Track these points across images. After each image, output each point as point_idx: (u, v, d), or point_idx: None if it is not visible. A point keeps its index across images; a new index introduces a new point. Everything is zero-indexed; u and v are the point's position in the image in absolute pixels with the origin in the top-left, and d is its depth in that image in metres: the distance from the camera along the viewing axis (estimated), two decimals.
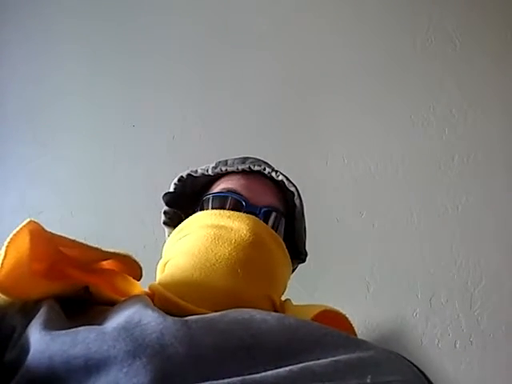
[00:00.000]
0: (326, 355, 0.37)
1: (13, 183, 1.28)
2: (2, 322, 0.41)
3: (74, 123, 1.32)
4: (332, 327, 0.44)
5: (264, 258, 0.54)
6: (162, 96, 1.31)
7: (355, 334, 0.58)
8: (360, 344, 0.40)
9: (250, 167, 0.62)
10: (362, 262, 1.14)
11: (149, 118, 1.30)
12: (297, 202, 0.62)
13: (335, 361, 0.36)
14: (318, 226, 1.10)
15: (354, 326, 0.58)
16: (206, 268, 0.51)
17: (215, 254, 0.52)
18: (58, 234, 0.46)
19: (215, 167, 0.62)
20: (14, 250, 0.41)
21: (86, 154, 1.29)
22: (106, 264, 0.52)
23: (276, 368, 0.35)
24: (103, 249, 0.48)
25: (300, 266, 0.69)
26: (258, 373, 0.35)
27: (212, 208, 0.59)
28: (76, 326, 0.38)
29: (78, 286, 0.46)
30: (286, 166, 0.68)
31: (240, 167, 0.62)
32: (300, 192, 0.63)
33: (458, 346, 1.08)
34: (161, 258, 0.60)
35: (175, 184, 0.64)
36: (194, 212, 0.60)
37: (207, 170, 0.62)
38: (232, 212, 0.55)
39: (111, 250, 0.49)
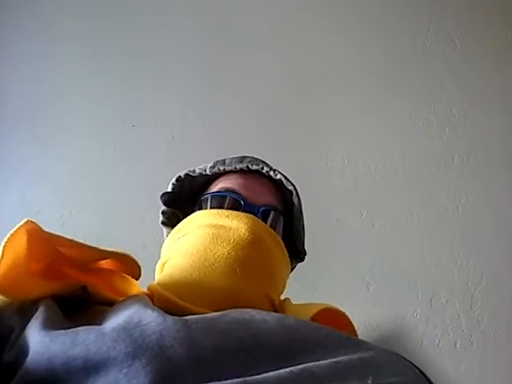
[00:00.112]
0: (327, 356, 0.37)
1: (13, 183, 1.28)
2: (0, 323, 0.41)
3: (74, 123, 1.32)
4: (332, 327, 0.43)
5: (263, 257, 0.54)
6: (162, 96, 1.31)
7: (355, 332, 0.58)
8: (361, 345, 0.40)
9: (248, 166, 0.61)
10: (361, 261, 1.14)
11: (149, 118, 1.30)
12: (295, 200, 0.62)
13: (336, 362, 0.36)
14: (318, 225, 1.11)
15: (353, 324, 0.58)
16: (204, 268, 0.51)
17: (214, 253, 0.51)
18: (56, 233, 0.45)
19: (213, 167, 0.62)
20: (12, 250, 0.41)
21: (86, 154, 1.29)
22: (105, 263, 0.52)
23: (276, 369, 0.35)
24: (101, 248, 0.48)
25: (300, 265, 0.69)
26: (258, 374, 0.35)
27: (210, 207, 0.58)
28: (75, 326, 0.38)
29: (75, 285, 0.46)
30: (285, 166, 0.68)
31: (238, 166, 0.61)
32: (298, 191, 0.63)
33: (458, 346, 1.08)
34: (159, 257, 0.60)
35: (173, 184, 0.64)
36: (193, 212, 0.59)
37: (205, 170, 0.62)
38: (230, 211, 0.55)
39: (109, 250, 0.49)
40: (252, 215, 0.56)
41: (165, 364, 0.34)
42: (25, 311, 0.42)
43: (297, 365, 0.36)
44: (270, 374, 0.34)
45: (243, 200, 0.58)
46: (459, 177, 1.18)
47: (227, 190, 0.59)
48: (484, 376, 1.06)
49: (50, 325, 0.38)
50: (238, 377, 0.34)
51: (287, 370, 0.35)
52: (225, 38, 1.33)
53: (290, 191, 0.62)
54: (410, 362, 0.41)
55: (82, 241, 0.47)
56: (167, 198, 0.64)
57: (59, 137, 1.31)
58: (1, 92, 1.35)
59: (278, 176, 0.62)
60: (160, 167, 1.21)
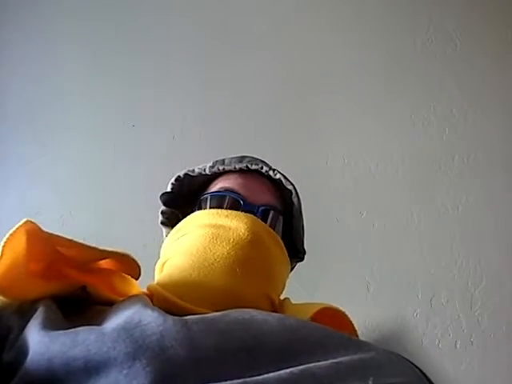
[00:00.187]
0: (328, 357, 0.37)
1: (13, 183, 1.28)
2: None
3: (74, 123, 1.32)
4: (332, 327, 0.43)
5: (262, 257, 0.54)
6: (162, 96, 1.31)
7: (355, 331, 0.58)
8: (361, 345, 0.40)
9: (247, 166, 0.61)
10: (361, 261, 1.14)
11: (149, 118, 1.30)
12: (294, 200, 0.62)
13: (336, 363, 0.36)
14: (318, 225, 1.11)
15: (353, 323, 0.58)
16: (204, 267, 0.51)
17: (213, 253, 0.51)
18: (55, 233, 0.45)
19: (212, 166, 0.62)
20: (11, 250, 0.41)
21: (86, 154, 1.29)
22: (104, 263, 0.52)
23: (277, 370, 0.35)
24: (101, 248, 0.48)
25: (300, 265, 0.68)
26: (259, 375, 0.34)
27: (210, 207, 0.58)
28: (74, 326, 0.38)
29: (75, 285, 0.46)
30: (285, 166, 0.68)
31: (237, 166, 0.61)
32: (297, 190, 0.63)
33: (458, 346, 1.08)
34: (159, 258, 0.60)
35: (172, 184, 0.64)
36: (192, 212, 0.59)
37: (204, 170, 0.62)
38: (230, 211, 0.55)
39: (109, 250, 0.49)
40: (251, 215, 0.55)
41: (165, 364, 0.34)
42: (24, 311, 0.42)
43: (297, 365, 0.35)
44: (271, 374, 0.34)
45: (242, 200, 0.58)
46: (459, 177, 1.18)
47: (226, 190, 0.59)
48: (484, 376, 1.06)
49: (49, 325, 0.38)
50: (239, 377, 0.34)
51: (288, 370, 0.35)
52: (225, 38, 1.33)
53: (290, 191, 0.62)
54: (410, 362, 0.41)
55: (81, 241, 0.46)
56: (167, 198, 0.64)
57: (59, 137, 1.31)
58: (1, 92, 1.35)
59: (278, 176, 0.62)
60: (160, 167, 1.21)
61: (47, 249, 0.45)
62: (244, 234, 0.52)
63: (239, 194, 0.58)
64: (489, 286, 1.11)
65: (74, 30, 1.39)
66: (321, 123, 1.26)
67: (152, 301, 0.47)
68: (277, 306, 0.56)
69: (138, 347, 0.35)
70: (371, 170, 1.20)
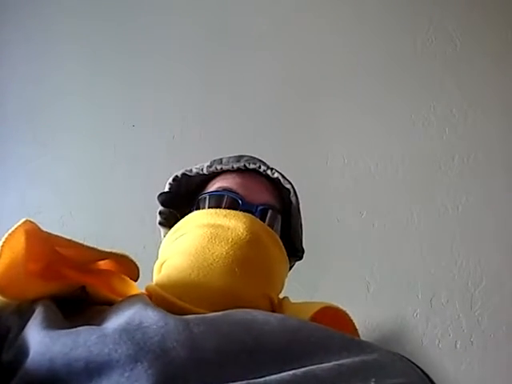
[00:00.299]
0: (330, 358, 0.37)
1: (13, 183, 1.28)
2: None
3: (74, 123, 1.32)
4: (333, 326, 0.43)
5: (261, 257, 0.54)
6: (162, 96, 1.31)
7: (356, 330, 0.57)
8: (364, 347, 0.40)
9: (245, 165, 0.61)
10: (362, 261, 1.14)
11: (149, 118, 1.30)
12: (293, 199, 0.62)
13: (339, 364, 0.36)
14: (318, 225, 1.11)
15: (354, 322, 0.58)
16: (203, 268, 0.51)
17: (212, 253, 0.51)
18: (54, 233, 0.45)
19: (210, 166, 0.62)
20: (9, 250, 0.40)
21: (86, 154, 1.29)
22: (103, 264, 0.52)
23: (279, 372, 0.35)
24: (100, 249, 0.48)
25: (300, 265, 0.68)
26: (261, 376, 0.34)
27: (208, 207, 0.58)
28: (74, 326, 0.38)
29: (74, 286, 0.46)
30: (286, 166, 0.68)
31: (235, 166, 0.61)
32: (295, 189, 0.63)
33: (458, 346, 1.08)
34: (157, 258, 0.60)
35: (170, 184, 0.64)
36: (190, 212, 0.59)
37: (202, 169, 0.62)
38: (228, 211, 0.55)
39: (108, 250, 0.49)
40: (250, 214, 0.55)
41: (166, 366, 0.34)
42: (23, 311, 0.42)
43: (299, 367, 0.35)
44: (273, 376, 0.34)
45: (241, 199, 0.57)
46: (459, 177, 1.18)
47: (225, 190, 0.59)
48: (484, 376, 1.06)
49: (50, 325, 0.38)
50: (240, 379, 0.34)
51: (290, 372, 0.35)
52: (225, 38, 1.33)
53: (288, 190, 0.62)
54: (413, 362, 0.41)
55: (81, 241, 0.46)
56: (165, 198, 0.64)
57: (59, 137, 1.31)
58: (1, 92, 1.35)
59: (276, 175, 0.61)
60: (160, 167, 1.21)
61: (46, 249, 0.45)
62: (243, 234, 0.52)
63: (237, 194, 0.58)
64: (489, 286, 1.11)
65: (73, 30, 1.39)
66: (321, 123, 1.26)
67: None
68: (276, 306, 0.56)
69: (140, 349, 0.35)
70: (371, 170, 1.20)
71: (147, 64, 1.34)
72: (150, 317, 0.39)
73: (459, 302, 1.10)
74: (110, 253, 0.49)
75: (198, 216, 0.57)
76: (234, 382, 0.34)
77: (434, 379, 0.42)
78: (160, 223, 0.64)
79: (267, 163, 0.65)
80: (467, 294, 1.11)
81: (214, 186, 0.61)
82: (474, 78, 1.24)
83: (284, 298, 0.60)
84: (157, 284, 0.53)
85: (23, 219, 0.42)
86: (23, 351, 0.36)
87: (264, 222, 0.57)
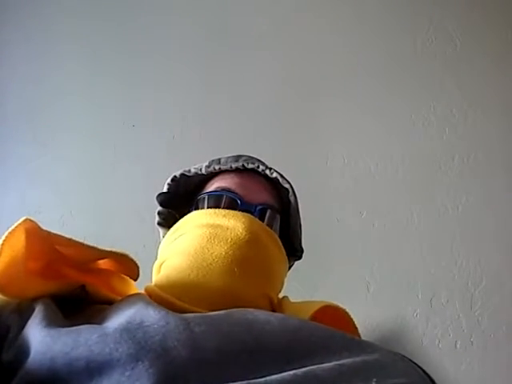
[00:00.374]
0: (331, 358, 0.37)
1: (13, 183, 1.28)
2: None
3: (74, 123, 1.32)
4: (333, 325, 0.43)
5: (260, 256, 0.54)
6: (162, 96, 1.31)
7: (356, 329, 0.57)
8: (364, 346, 0.40)
9: (243, 165, 0.61)
10: (362, 262, 1.14)
11: (149, 118, 1.30)
12: (291, 198, 0.62)
13: (340, 365, 0.36)
14: (318, 225, 1.11)
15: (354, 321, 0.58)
16: (202, 268, 0.51)
17: (211, 253, 0.51)
18: (54, 232, 0.45)
19: (208, 166, 0.62)
20: (9, 249, 0.40)
21: (86, 154, 1.29)
22: (103, 264, 0.52)
23: (280, 371, 0.35)
24: (100, 247, 0.48)
25: (300, 266, 0.68)
26: (262, 376, 0.34)
27: (207, 207, 0.58)
28: (74, 325, 0.38)
29: (74, 285, 0.46)
30: (286, 166, 0.68)
31: (234, 165, 0.61)
32: (294, 189, 0.63)
33: (458, 346, 1.08)
34: (157, 258, 0.60)
35: (169, 184, 0.63)
36: (189, 212, 0.59)
37: (200, 169, 0.62)
38: (227, 211, 0.55)
39: (108, 249, 0.49)
40: (249, 214, 0.55)
41: (167, 366, 0.34)
42: (22, 310, 0.42)
43: (300, 367, 0.35)
44: (274, 376, 0.34)
45: (240, 199, 0.57)
46: (459, 177, 1.18)
47: (223, 190, 0.59)
48: (484, 376, 1.06)
49: (50, 324, 0.38)
50: (241, 379, 0.34)
51: (291, 372, 0.35)
52: (225, 38, 1.33)
53: (286, 189, 0.62)
54: (414, 362, 0.41)
55: (81, 240, 0.46)
56: (163, 199, 0.63)
57: (59, 137, 1.31)
58: (1, 92, 1.35)
59: (274, 174, 0.61)
60: (160, 167, 1.21)
61: (46, 247, 0.45)
62: (242, 234, 0.52)
63: (236, 194, 0.58)
64: (489, 286, 1.11)
65: (73, 30, 1.39)
66: (321, 123, 1.26)
67: None
68: (276, 305, 0.56)
69: (141, 348, 0.35)
70: (371, 170, 1.20)
71: (147, 64, 1.34)
72: (151, 316, 0.39)
73: (459, 302, 1.10)
74: (110, 252, 0.49)
75: (196, 216, 0.57)
76: (235, 381, 0.34)
77: (435, 379, 0.42)
78: (159, 223, 0.64)
79: (266, 163, 0.65)
80: (467, 294, 1.11)
81: (213, 186, 0.61)
82: (474, 78, 1.24)
83: (283, 297, 0.60)
84: (156, 284, 0.53)
85: (23, 218, 0.42)
86: (24, 351, 0.36)
87: (263, 221, 0.57)
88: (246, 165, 0.61)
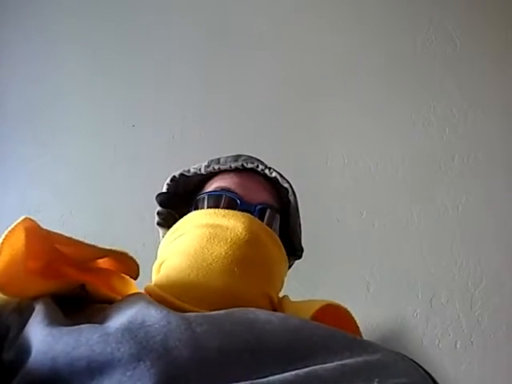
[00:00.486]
0: (332, 358, 0.37)
1: (13, 183, 1.28)
2: None
3: (74, 123, 1.32)
4: (334, 324, 0.43)
5: (260, 256, 0.54)
6: (162, 96, 1.31)
7: (358, 328, 0.57)
8: (366, 346, 0.40)
9: (243, 165, 0.61)
10: (362, 261, 1.14)
11: (149, 118, 1.30)
12: (291, 198, 0.62)
13: (342, 364, 0.36)
14: (318, 225, 1.11)
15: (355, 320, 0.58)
16: (202, 268, 0.51)
17: (211, 253, 0.51)
18: (54, 231, 0.45)
19: (208, 166, 0.62)
20: (9, 248, 0.40)
21: (86, 154, 1.29)
22: (103, 263, 0.52)
23: (282, 371, 0.35)
24: (100, 246, 0.48)
25: (300, 265, 0.68)
26: (264, 376, 0.34)
27: (207, 207, 0.58)
28: (75, 325, 0.38)
29: (74, 284, 0.46)
30: (286, 166, 0.68)
31: (233, 165, 0.61)
32: (294, 188, 0.63)
33: (458, 346, 1.08)
34: (156, 258, 0.60)
35: (168, 184, 0.63)
36: (189, 212, 0.59)
37: (200, 169, 0.62)
38: (227, 211, 0.55)
39: (108, 248, 0.49)
40: (248, 214, 0.55)
41: (169, 366, 0.34)
42: (23, 310, 0.42)
43: (302, 367, 0.35)
44: (276, 376, 0.34)
45: (239, 199, 0.57)
46: (459, 177, 1.18)
47: (223, 190, 0.59)
48: (484, 376, 1.06)
49: (51, 323, 0.38)
50: (243, 379, 0.34)
51: (293, 372, 0.34)
52: (225, 38, 1.33)
53: (286, 189, 0.62)
54: (415, 362, 0.41)
55: (79, 239, 0.46)
56: (163, 199, 0.63)
57: (59, 137, 1.31)
58: (1, 92, 1.35)
59: (274, 174, 0.61)
60: (160, 167, 1.21)
61: (46, 246, 0.45)
62: (241, 234, 0.52)
63: (236, 194, 0.58)
64: (489, 286, 1.11)
65: (73, 30, 1.39)
66: (321, 123, 1.26)
67: None
68: (276, 305, 0.56)
69: (143, 348, 0.35)
70: (371, 170, 1.20)
71: (147, 64, 1.34)
72: (153, 315, 0.39)
73: (459, 302, 1.10)
74: (110, 250, 0.49)
75: (196, 216, 0.57)
76: (237, 381, 0.34)
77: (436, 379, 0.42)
78: (158, 224, 0.64)
79: (265, 162, 0.65)
80: (467, 294, 1.11)
81: (212, 185, 0.61)
82: (474, 78, 1.24)
83: (284, 296, 0.60)
84: (155, 284, 0.52)
85: (23, 217, 0.42)
86: (25, 350, 0.36)
87: (262, 221, 0.57)
88: (245, 164, 0.61)
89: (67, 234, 0.46)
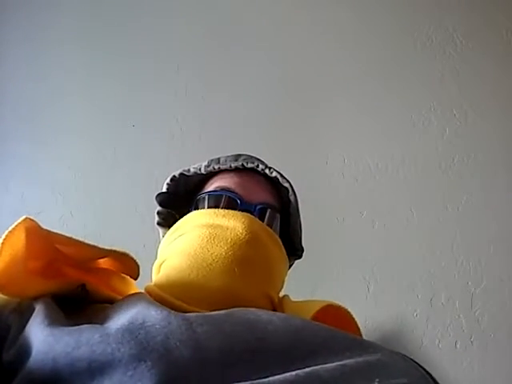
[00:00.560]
0: (333, 359, 0.37)
1: (13, 183, 1.28)
2: None
3: (74, 123, 1.32)
4: (335, 325, 0.43)
5: (260, 256, 0.54)
6: (162, 96, 1.31)
7: (358, 329, 0.57)
8: (367, 346, 0.40)
9: (243, 164, 0.61)
10: (362, 261, 1.14)
11: (149, 118, 1.30)
12: (291, 198, 0.62)
13: (342, 365, 0.36)
14: (318, 226, 1.10)
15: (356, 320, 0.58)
16: (202, 268, 0.50)
17: (211, 253, 0.51)
18: (54, 231, 0.45)
19: (208, 165, 0.61)
20: (10, 248, 0.40)
21: (86, 154, 1.29)
22: (103, 263, 0.52)
23: (283, 372, 0.35)
24: (100, 246, 0.48)
25: (300, 265, 0.68)
26: (265, 377, 0.34)
27: (207, 207, 0.58)
28: (75, 325, 0.38)
29: (74, 284, 0.46)
30: (285, 166, 0.68)
31: (233, 165, 0.61)
32: (294, 188, 0.63)
33: (458, 346, 1.08)
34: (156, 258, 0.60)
35: (168, 184, 0.63)
36: (189, 211, 0.59)
37: (200, 169, 0.62)
38: (227, 211, 0.55)
39: (108, 248, 0.49)
40: (249, 214, 0.55)
41: (170, 366, 0.34)
42: (23, 310, 0.42)
43: (303, 367, 0.35)
44: (276, 377, 0.34)
45: (239, 199, 0.57)
46: (459, 177, 1.18)
47: (223, 189, 0.58)
48: (484, 376, 1.06)
49: (52, 323, 0.38)
50: (244, 380, 0.34)
51: (293, 373, 0.34)
52: (224, 38, 1.33)
53: (286, 188, 0.62)
54: (416, 362, 0.41)
55: (81, 239, 0.46)
56: (162, 199, 0.63)
57: (59, 137, 1.31)
58: (1, 92, 1.35)
59: (274, 173, 0.61)
60: (160, 167, 1.21)
61: (46, 246, 0.45)
62: (242, 234, 0.52)
63: (236, 194, 0.58)
64: (489, 286, 1.11)
65: (73, 30, 1.39)
66: (321, 123, 1.26)
67: None
68: (276, 305, 0.56)
69: (143, 349, 0.35)
70: (371, 170, 1.20)
71: (147, 64, 1.34)
72: (153, 316, 0.39)
73: (459, 302, 1.10)
74: (110, 250, 0.49)
75: (196, 216, 0.57)
76: (238, 382, 0.34)
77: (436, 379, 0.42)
78: (158, 223, 0.64)
79: (265, 162, 0.65)
80: (467, 294, 1.11)
81: (212, 185, 0.61)
82: (474, 78, 1.24)
83: (284, 296, 0.60)
84: (156, 284, 0.52)
85: (23, 217, 0.42)
86: (25, 350, 0.36)
87: (263, 221, 0.57)
88: (245, 164, 0.61)
89: (67, 234, 0.46)
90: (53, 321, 0.38)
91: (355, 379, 0.35)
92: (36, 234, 0.43)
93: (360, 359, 0.37)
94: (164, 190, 0.64)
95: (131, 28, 1.37)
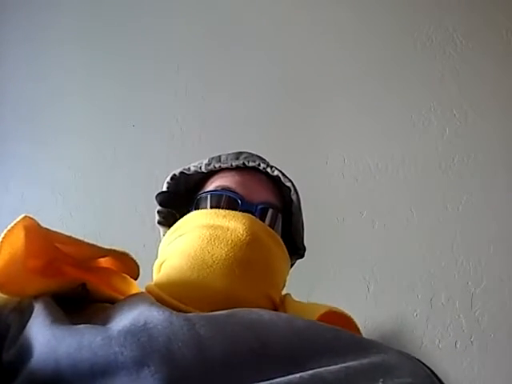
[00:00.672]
0: (337, 360, 0.37)
1: (13, 183, 1.28)
2: None
3: (74, 123, 1.32)
4: (341, 328, 0.43)
5: (262, 257, 0.53)
6: (162, 96, 1.31)
7: (361, 335, 0.57)
8: (371, 347, 0.39)
9: (244, 163, 0.60)
10: (362, 261, 1.14)
11: (149, 118, 1.30)
12: (293, 197, 0.61)
13: (346, 367, 0.36)
14: (318, 225, 1.10)
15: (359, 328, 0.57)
16: (202, 269, 0.50)
17: (212, 255, 0.51)
18: (54, 230, 0.45)
19: (208, 164, 0.61)
20: (9, 246, 0.40)
21: (86, 154, 1.29)
22: (103, 262, 0.51)
23: (287, 374, 0.34)
24: (100, 245, 0.47)
25: (300, 265, 0.68)
26: (268, 379, 0.34)
27: (207, 207, 0.57)
28: (76, 324, 0.38)
29: (74, 283, 0.46)
30: (285, 166, 0.67)
31: (234, 163, 0.60)
32: (296, 187, 0.62)
33: (458, 346, 1.08)
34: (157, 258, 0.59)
35: (168, 183, 0.62)
36: (189, 211, 0.58)
37: (200, 167, 0.61)
38: (228, 211, 0.54)
39: (108, 247, 0.48)
40: (249, 215, 0.54)
41: (172, 369, 0.34)
42: (23, 309, 0.42)
43: (307, 369, 0.35)
44: (280, 379, 0.34)
45: (240, 199, 0.56)
46: (459, 177, 1.18)
47: (223, 189, 0.58)
48: (484, 376, 1.06)
49: (53, 323, 0.38)
50: (247, 381, 0.34)
51: (297, 375, 0.34)
52: (224, 38, 1.33)
53: (288, 187, 0.61)
54: (421, 362, 0.41)
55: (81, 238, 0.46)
56: (163, 198, 0.62)
57: (59, 137, 1.31)
58: (1, 92, 1.35)
59: (276, 172, 0.60)
60: (160, 167, 1.21)
61: (46, 245, 0.45)
62: (242, 235, 0.51)
63: (237, 193, 0.57)
64: (489, 286, 1.10)
65: (73, 30, 1.39)
66: (321, 123, 1.26)
67: None
68: (278, 305, 0.56)
69: (145, 351, 0.34)
70: (371, 170, 1.20)
71: (147, 64, 1.34)
72: (155, 317, 0.38)
73: (459, 302, 1.10)
74: (111, 250, 0.49)
75: (196, 216, 0.56)
76: None
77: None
78: (159, 222, 0.64)
79: (267, 160, 0.64)
80: (467, 294, 1.10)
81: (213, 184, 0.60)
82: (474, 78, 1.24)
83: (286, 295, 0.59)
84: (156, 284, 0.52)
85: (22, 215, 0.42)
86: (26, 350, 0.36)
87: (264, 221, 0.56)
88: (246, 163, 0.60)
89: (66, 233, 0.46)
90: (54, 320, 0.38)
91: (359, 381, 0.35)
92: (35, 232, 0.43)
93: (364, 361, 0.37)
94: (164, 188, 0.63)
95: (131, 28, 1.37)
